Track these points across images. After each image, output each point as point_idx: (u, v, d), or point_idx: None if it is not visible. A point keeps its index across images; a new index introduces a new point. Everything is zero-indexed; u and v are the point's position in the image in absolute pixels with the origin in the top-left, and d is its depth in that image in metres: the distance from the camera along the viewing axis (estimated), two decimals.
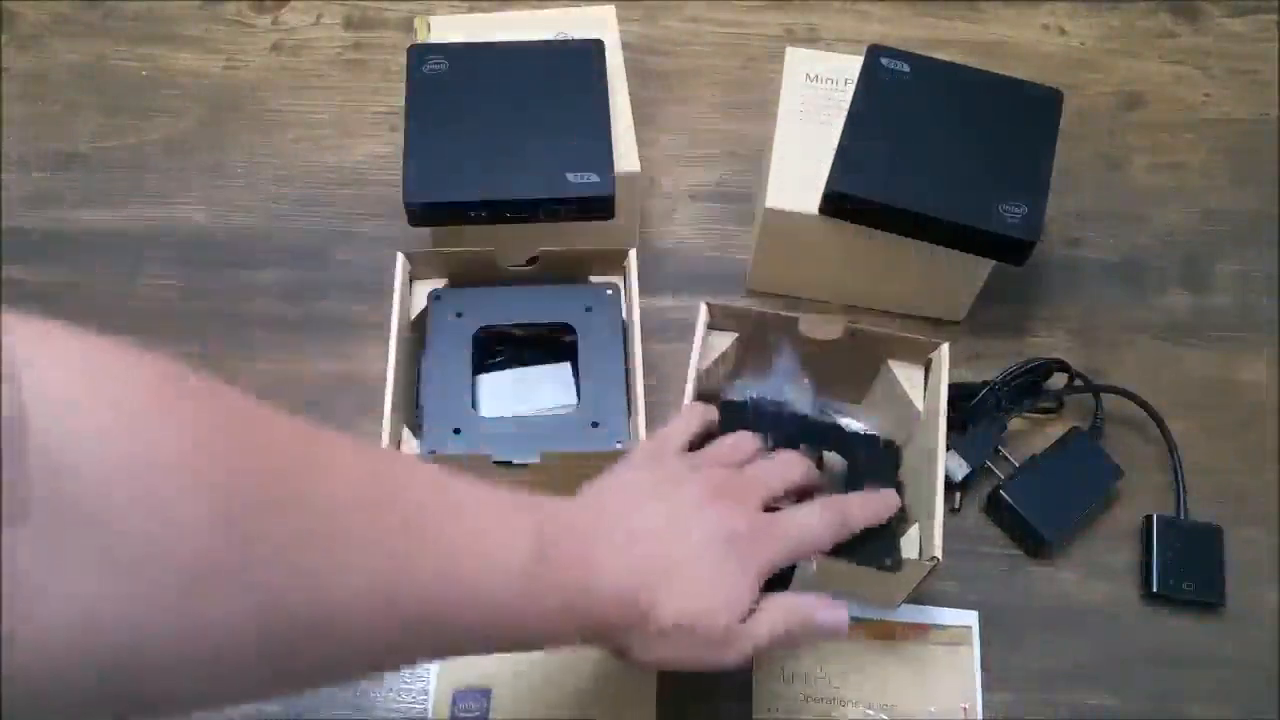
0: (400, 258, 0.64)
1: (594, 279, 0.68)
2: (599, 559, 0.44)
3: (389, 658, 0.39)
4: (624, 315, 0.66)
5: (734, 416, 0.63)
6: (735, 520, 0.47)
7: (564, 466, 0.61)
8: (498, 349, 0.66)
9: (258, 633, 0.31)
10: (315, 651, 0.33)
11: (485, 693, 0.60)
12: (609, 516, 0.46)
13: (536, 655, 0.60)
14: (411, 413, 0.63)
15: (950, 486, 0.67)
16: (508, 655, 0.60)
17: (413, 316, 0.65)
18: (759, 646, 0.46)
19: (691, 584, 0.45)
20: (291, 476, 0.32)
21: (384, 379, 0.60)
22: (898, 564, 0.56)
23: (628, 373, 0.63)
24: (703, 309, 0.64)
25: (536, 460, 0.58)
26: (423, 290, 0.66)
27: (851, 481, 0.62)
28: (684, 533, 0.46)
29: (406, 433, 0.60)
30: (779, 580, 0.61)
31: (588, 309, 0.65)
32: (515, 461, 0.59)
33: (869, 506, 0.53)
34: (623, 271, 0.66)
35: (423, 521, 0.37)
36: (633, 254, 0.65)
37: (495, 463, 0.58)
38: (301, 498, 0.32)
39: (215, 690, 0.32)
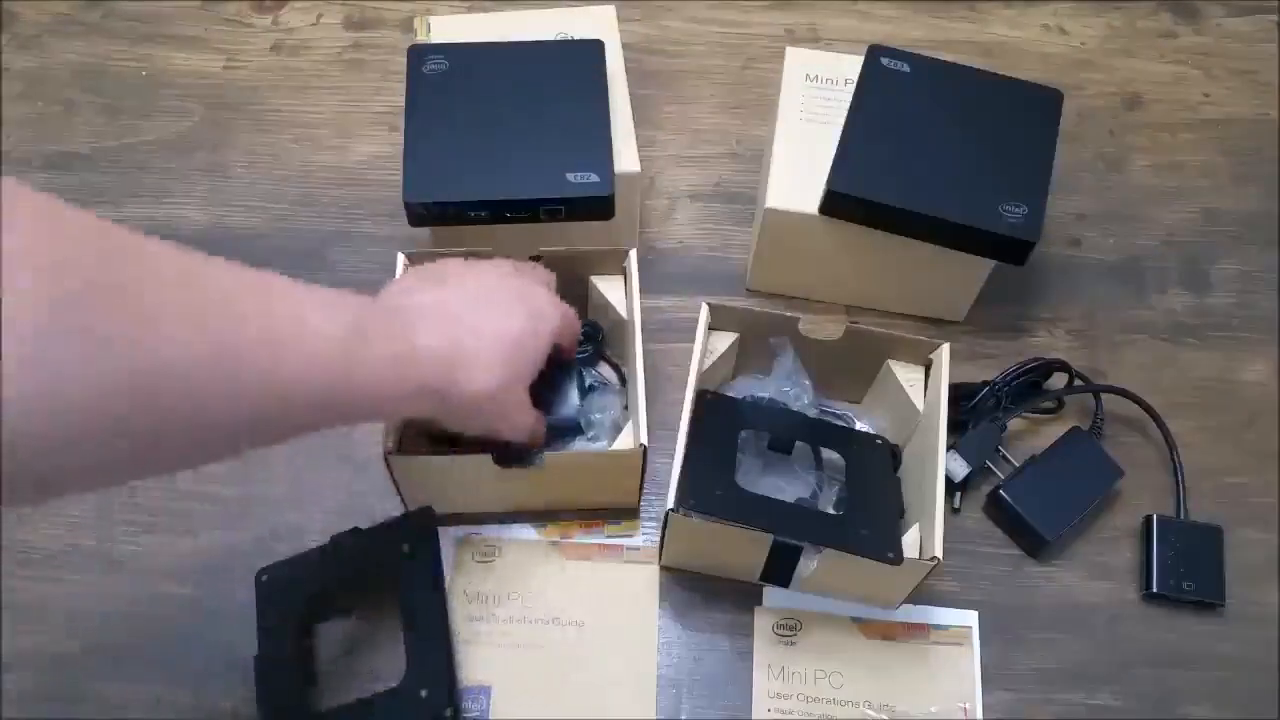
0: (401, 258, 0.64)
1: (595, 278, 0.68)
2: (417, 327, 0.49)
3: (232, 427, 0.42)
4: (626, 300, 0.66)
5: (734, 416, 0.64)
6: (536, 296, 0.56)
7: (569, 467, 0.62)
8: None
9: (101, 394, 0.35)
10: (157, 414, 0.37)
11: (485, 691, 0.60)
12: (423, 295, 0.53)
13: (536, 655, 0.61)
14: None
15: (950, 486, 0.67)
16: (508, 655, 0.61)
17: None
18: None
19: (497, 353, 0.52)
20: (117, 263, 0.37)
21: None
22: (899, 557, 0.56)
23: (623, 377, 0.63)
24: (703, 309, 0.64)
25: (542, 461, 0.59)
26: None
27: (851, 481, 0.62)
28: (492, 311, 0.53)
29: (409, 431, 0.60)
30: (781, 578, 0.61)
31: None
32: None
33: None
34: (623, 272, 0.66)
35: (241, 299, 0.42)
36: (633, 254, 0.65)
37: (496, 462, 0.59)
38: (126, 279, 0.37)
39: (85, 460, 0.36)
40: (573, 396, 0.63)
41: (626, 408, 0.65)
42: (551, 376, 0.60)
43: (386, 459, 0.58)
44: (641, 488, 0.64)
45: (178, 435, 0.39)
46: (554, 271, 0.61)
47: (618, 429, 0.62)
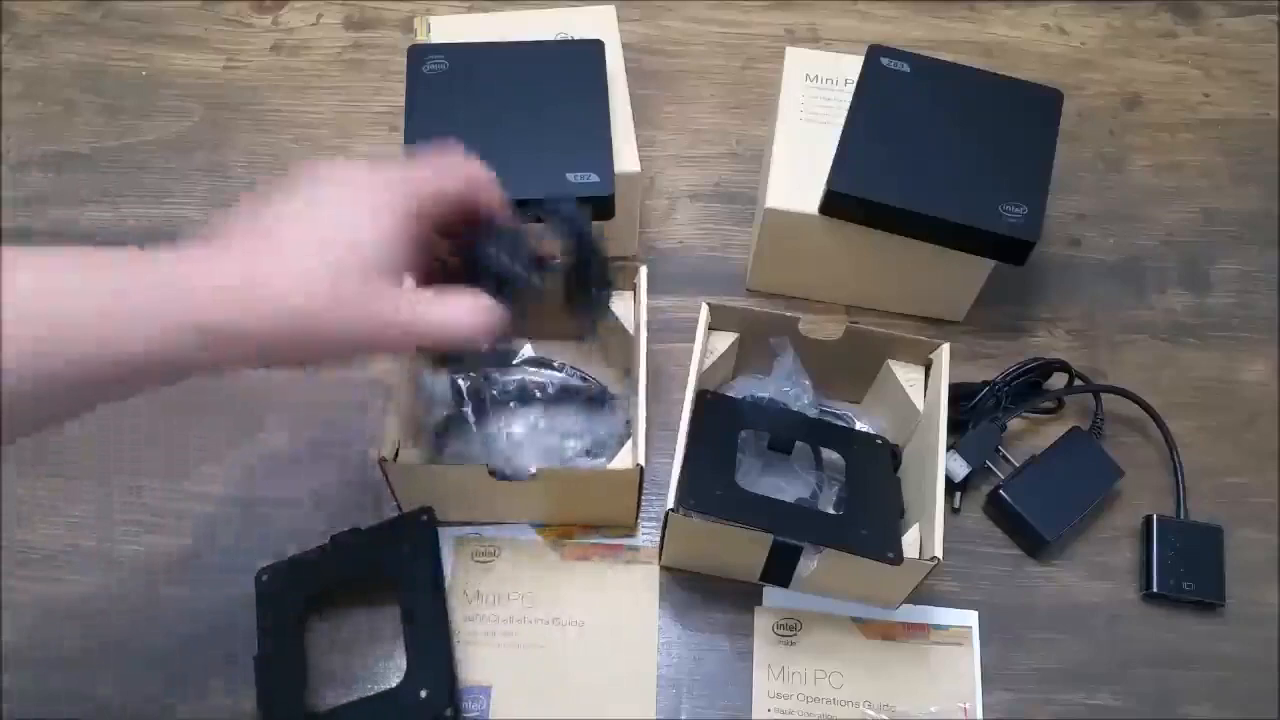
0: None
1: None
2: (193, 261, 0.41)
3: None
4: (634, 321, 0.65)
5: (734, 416, 0.64)
6: (379, 167, 0.45)
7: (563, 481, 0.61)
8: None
9: None
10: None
11: (485, 691, 0.60)
12: (231, 223, 0.43)
13: (536, 655, 0.61)
14: (412, 416, 0.63)
15: (950, 486, 0.67)
16: (508, 655, 0.61)
17: None
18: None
19: (313, 254, 0.42)
20: None
21: (384, 380, 0.60)
22: (899, 557, 0.56)
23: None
24: (703, 309, 0.64)
25: (534, 473, 0.59)
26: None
27: (851, 481, 0.62)
28: (311, 203, 0.43)
29: (405, 438, 0.60)
30: (781, 578, 0.61)
31: None
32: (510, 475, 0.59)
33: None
34: (633, 288, 0.66)
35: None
36: (643, 271, 0.65)
37: (491, 473, 0.59)
38: None
39: None
40: (517, 256, 0.49)
41: (629, 423, 0.65)
42: (476, 251, 0.48)
43: (382, 465, 0.57)
44: (639, 506, 0.64)
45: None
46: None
47: (620, 445, 0.62)
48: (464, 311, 0.45)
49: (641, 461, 0.58)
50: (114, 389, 0.41)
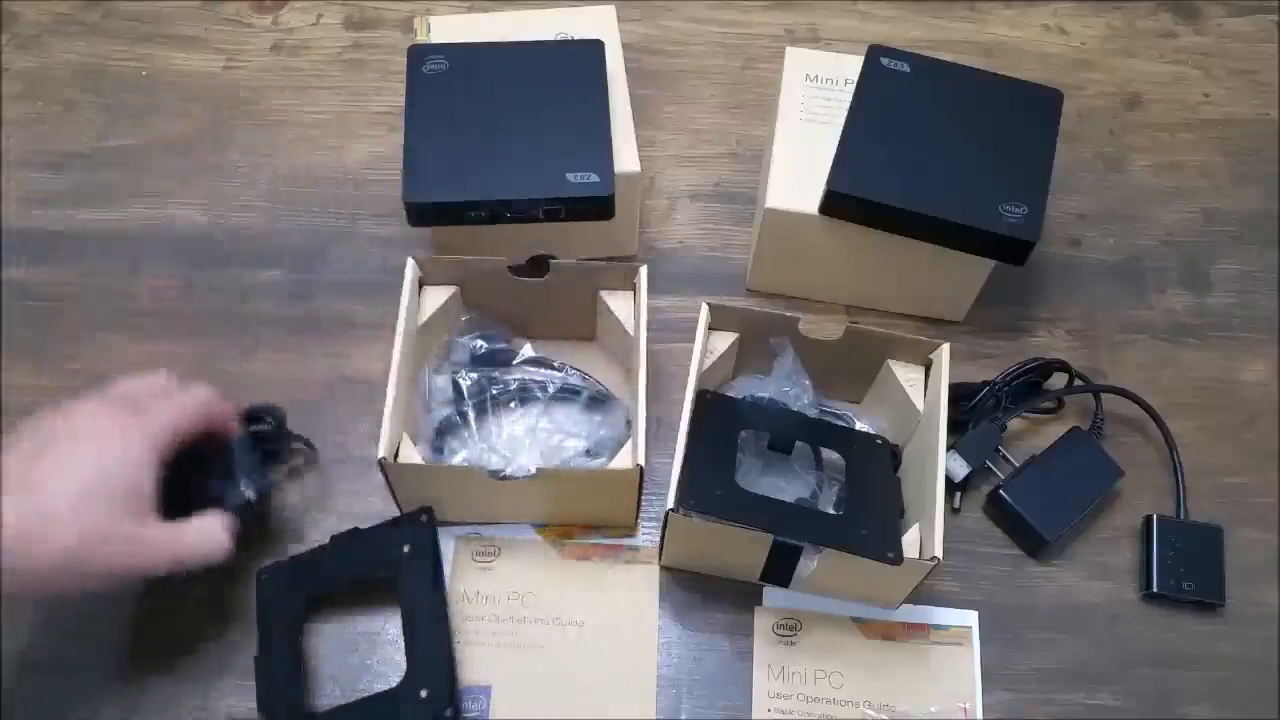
0: (410, 262, 0.64)
1: (604, 293, 0.67)
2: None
3: None
4: (634, 322, 0.65)
5: (734, 416, 0.64)
6: (122, 414, 0.53)
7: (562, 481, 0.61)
8: None
9: None
10: None
11: (485, 691, 0.60)
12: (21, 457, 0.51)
13: (536, 655, 0.61)
14: (411, 416, 0.63)
15: (950, 486, 0.67)
16: (508, 655, 0.61)
17: (420, 321, 0.64)
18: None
19: (69, 504, 0.49)
20: None
21: (383, 379, 0.60)
22: (899, 557, 0.56)
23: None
24: (703, 309, 0.64)
25: (533, 473, 0.59)
26: (430, 294, 0.66)
27: (851, 481, 0.62)
28: (65, 453, 0.51)
29: (405, 437, 0.60)
30: (781, 578, 0.61)
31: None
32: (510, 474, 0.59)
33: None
34: (633, 288, 0.66)
35: None
36: (643, 271, 0.65)
37: (490, 473, 0.59)
38: None
39: None
40: (239, 473, 0.59)
41: (630, 424, 0.65)
42: (214, 463, 0.59)
43: (382, 465, 0.57)
44: (639, 507, 0.64)
45: None
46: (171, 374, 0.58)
47: (620, 445, 0.62)
48: (211, 534, 0.55)
49: (641, 462, 0.58)
50: None
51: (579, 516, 0.65)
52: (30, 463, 0.50)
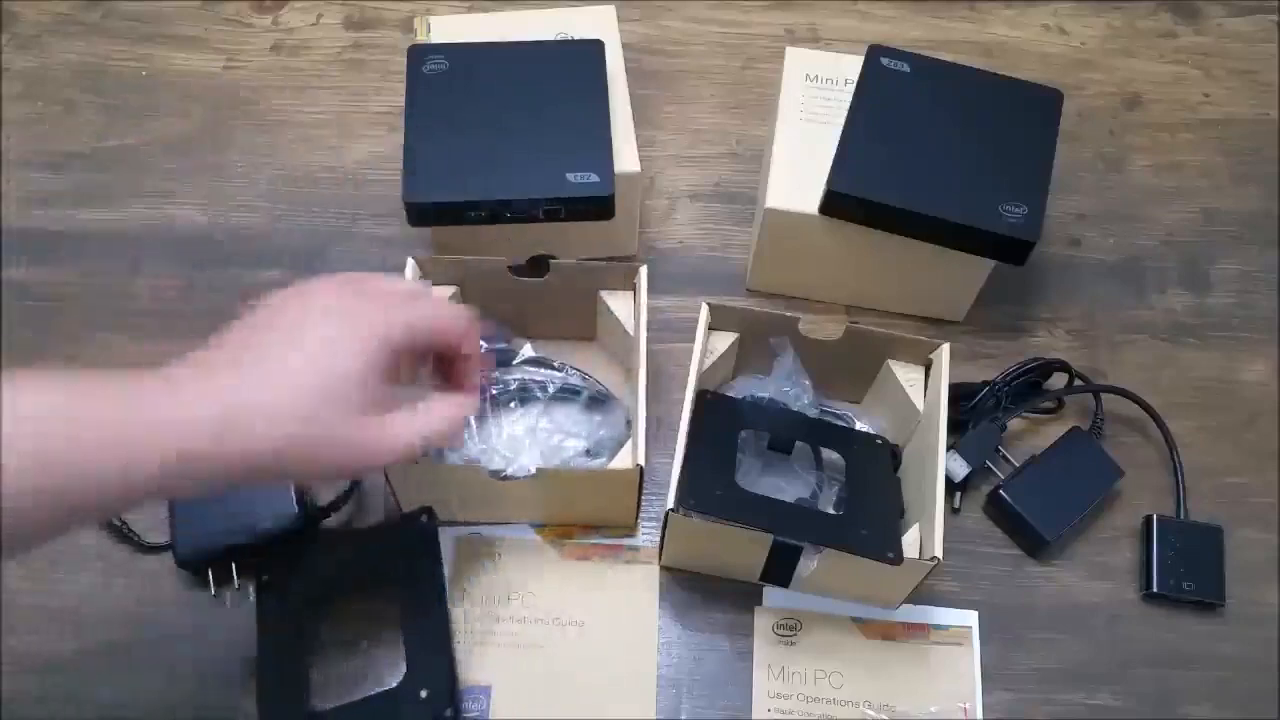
0: (411, 262, 0.64)
1: (604, 293, 0.67)
2: (152, 392, 0.43)
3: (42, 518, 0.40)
4: (634, 322, 0.65)
5: (734, 416, 0.64)
6: (358, 304, 0.48)
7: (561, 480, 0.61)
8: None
9: None
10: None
11: (485, 691, 0.60)
12: (209, 353, 0.46)
13: (536, 655, 0.61)
14: None
15: (950, 486, 0.67)
16: (508, 655, 0.61)
17: None
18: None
19: (288, 396, 0.44)
20: None
21: None
22: (899, 557, 0.56)
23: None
24: (703, 309, 0.64)
25: (533, 473, 0.59)
26: (432, 294, 0.66)
27: (851, 481, 0.62)
28: (273, 336, 0.46)
29: None
30: (781, 578, 0.61)
31: None
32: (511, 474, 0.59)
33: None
34: (633, 288, 0.66)
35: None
36: (643, 271, 0.65)
37: (491, 473, 0.59)
38: None
39: None
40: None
41: (630, 424, 0.65)
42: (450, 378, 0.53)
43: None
44: (639, 507, 0.64)
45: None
46: (426, 280, 0.55)
47: (620, 445, 0.61)
48: (441, 418, 0.50)
49: (641, 462, 0.58)
50: (93, 514, 0.44)
51: (579, 517, 0.65)
52: (247, 334, 0.46)
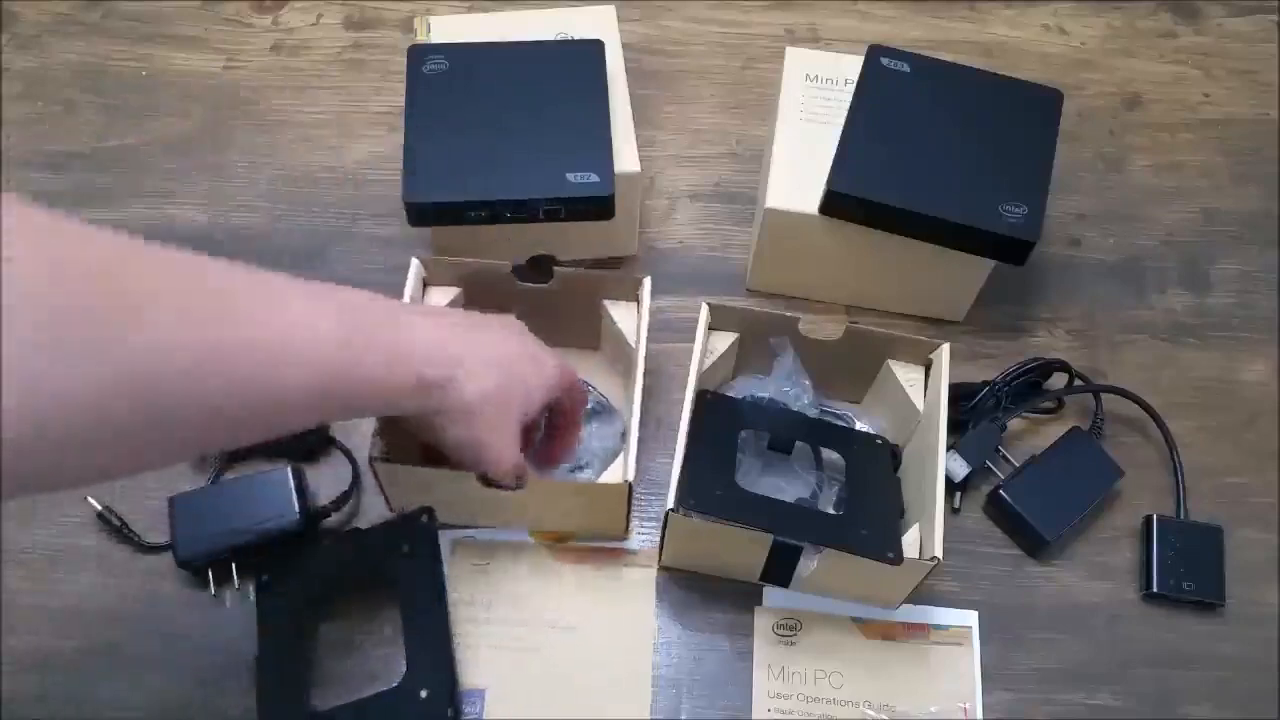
0: (415, 262, 0.64)
1: (607, 302, 0.67)
2: (416, 325, 0.50)
3: (229, 424, 0.43)
4: (636, 328, 0.65)
5: (734, 416, 0.64)
6: (536, 346, 0.57)
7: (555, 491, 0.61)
8: None
9: (95, 399, 0.36)
10: (153, 415, 0.38)
11: (479, 694, 0.60)
12: (426, 304, 0.56)
13: (531, 658, 0.61)
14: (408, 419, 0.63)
15: (950, 486, 0.67)
16: (502, 658, 0.61)
17: None
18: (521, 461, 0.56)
19: (497, 364, 0.53)
20: (115, 271, 0.38)
21: None
22: (899, 557, 0.56)
23: None
24: (703, 309, 0.64)
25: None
26: (434, 295, 0.66)
27: (851, 481, 0.62)
28: (490, 331, 0.55)
29: (398, 437, 0.60)
30: (781, 578, 0.61)
31: None
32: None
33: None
34: (636, 300, 0.66)
35: (238, 301, 0.42)
36: (647, 282, 0.64)
37: (480, 480, 0.58)
38: (122, 288, 0.37)
39: (85, 458, 0.38)
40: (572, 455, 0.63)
41: (624, 435, 0.64)
42: (553, 433, 0.61)
43: (372, 464, 0.57)
44: (629, 521, 0.64)
45: (174, 434, 0.40)
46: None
47: (612, 457, 0.61)
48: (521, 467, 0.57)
49: (630, 477, 0.58)
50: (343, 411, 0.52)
51: (568, 526, 0.65)
52: (468, 329, 0.54)
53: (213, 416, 0.41)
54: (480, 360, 0.52)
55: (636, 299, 0.66)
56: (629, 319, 0.66)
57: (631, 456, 0.58)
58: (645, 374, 0.61)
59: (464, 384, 0.51)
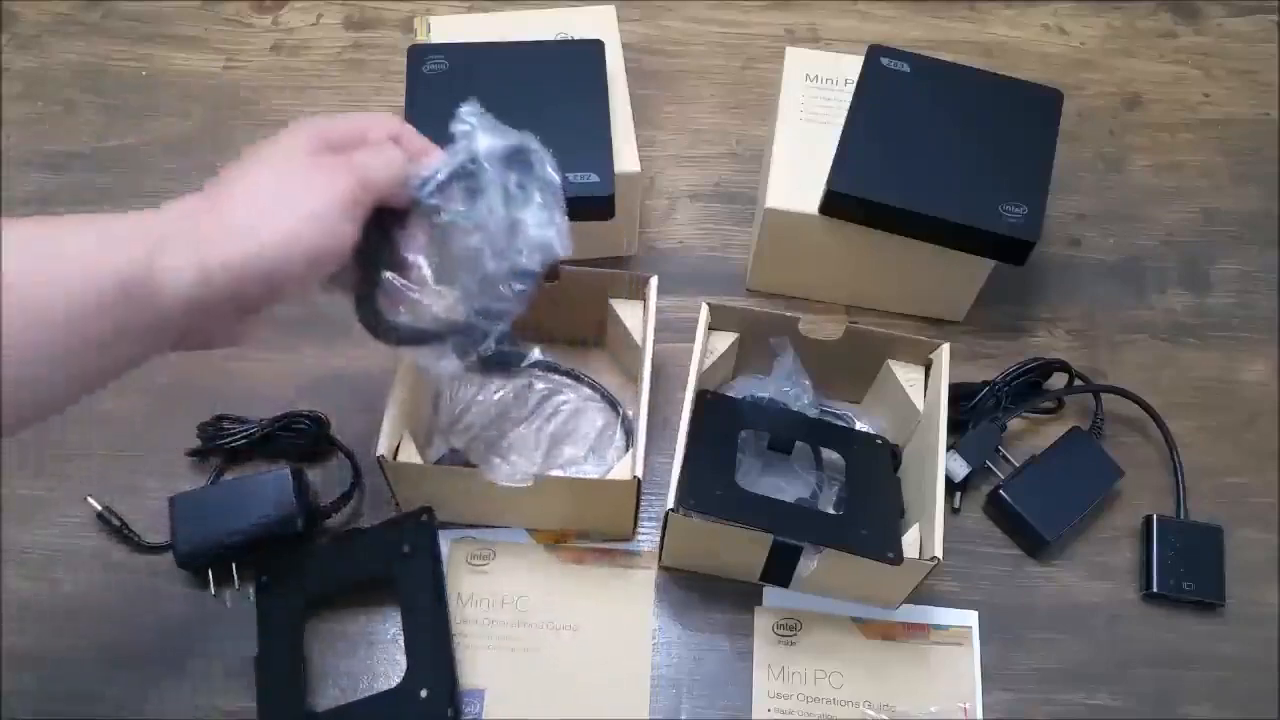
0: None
1: (614, 301, 0.67)
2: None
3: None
4: (642, 326, 0.65)
5: (734, 416, 0.64)
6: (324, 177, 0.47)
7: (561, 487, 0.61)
8: None
9: None
10: None
11: (479, 695, 0.60)
12: (221, 189, 0.47)
13: (531, 658, 0.61)
14: (414, 416, 0.63)
15: (950, 486, 0.67)
16: (502, 658, 0.61)
17: None
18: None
19: (255, 204, 0.45)
20: None
21: (383, 379, 0.60)
22: (899, 557, 0.56)
23: None
24: (703, 309, 0.64)
25: (531, 480, 0.59)
26: None
27: (851, 481, 0.62)
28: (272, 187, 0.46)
29: (406, 435, 0.60)
30: (781, 578, 0.61)
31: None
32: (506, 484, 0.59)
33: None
34: (643, 298, 0.66)
35: None
36: (653, 281, 0.64)
37: (490, 477, 0.58)
38: None
39: None
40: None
41: (630, 432, 0.64)
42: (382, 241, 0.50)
43: (380, 462, 0.57)
44: (637, 518, 0.64)
45: None
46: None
47: (620, 454, 0.61)
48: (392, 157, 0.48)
49: (639, 473, 0.58)
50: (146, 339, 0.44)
51: (577, 523, 0.65)
52: (234, 182, 0.46)
53: None
54: (237, 215, 0.45)
55: (643, 297, 0.66)
56: (636, 318, 0.66)
57: (641, 452, 0.58)
58: (648, 407, 0.61)
59: (266, 245, 0.43)
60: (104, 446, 0.67)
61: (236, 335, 0.48)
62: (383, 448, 0.57)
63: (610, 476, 0.60)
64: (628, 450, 0.61)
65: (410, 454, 0.59)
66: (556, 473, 0.62)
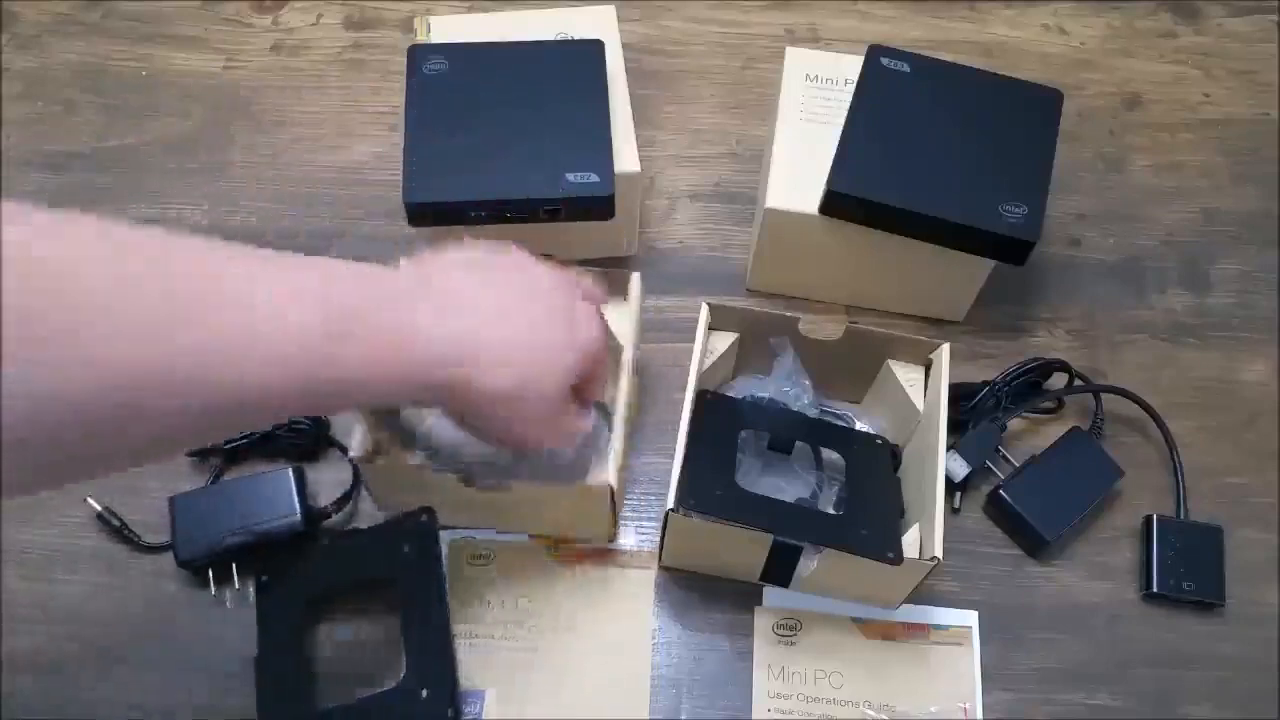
0: None
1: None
2: (419, 311, 0.45)
3: (207, 422, 0.40)
4: (629, 328, 0.65)
5: (734, 416, 0.64)
6: (582, 311, 0.51)
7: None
8: None
9: (32, 418, 0.33)
10: (122, 424, 0.36)
11: (479, 695, 0.60)
12: (454, 279, 0.48)
13: (530, 659, 0.61)
14: (398, 418, 0.63)
15: (950, 486, 0.67)
16: (502, 659, 0.61)
17: None
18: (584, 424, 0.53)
19: (514, 361, 0.47)
20: (43, 271, 0.35)
21: None
22: (899, 557, 0.56)
23: None
24: (703, 309, 0.64)
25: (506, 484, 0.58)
26: None
27: (851, 481, 0.62)
28: (507, 309, 0.48)
29: (387, 438, 0.60)
30: (781, 578, 0.61)
31: None
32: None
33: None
34: (625, 295, 0.65)
35: (209, 293, 0.38)
36: (635, 277, 0.64)
37: (463, 481, 0.58)
38: (55, 289, 0.35)
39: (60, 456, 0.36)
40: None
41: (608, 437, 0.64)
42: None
43: (353, 463, 0.57)
44: (615, 524, 0.64)
45: (146, 437, 0.38)
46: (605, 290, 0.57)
47: (600, 458, 0.61)
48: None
49: (613, 481, 0.58)
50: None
51: (554, 527, 0.65)
52: (502, 301, 0.48)
53: (182, 422, 0.39)
54: (495, 358, 0.47)
55: (624, 295, 0.65)
56: (622, 319, 0.66)
57: (613, 459, 0.58)
58: (645, 374, 0.61)
59: (472, 385, 0.46)
60: None
61: None
62: (354, 450, 0.57)
63: (584, 483, 0.59)
64: (606, 455, 0.61)
65: (389, 456, 0.59)
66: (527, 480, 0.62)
